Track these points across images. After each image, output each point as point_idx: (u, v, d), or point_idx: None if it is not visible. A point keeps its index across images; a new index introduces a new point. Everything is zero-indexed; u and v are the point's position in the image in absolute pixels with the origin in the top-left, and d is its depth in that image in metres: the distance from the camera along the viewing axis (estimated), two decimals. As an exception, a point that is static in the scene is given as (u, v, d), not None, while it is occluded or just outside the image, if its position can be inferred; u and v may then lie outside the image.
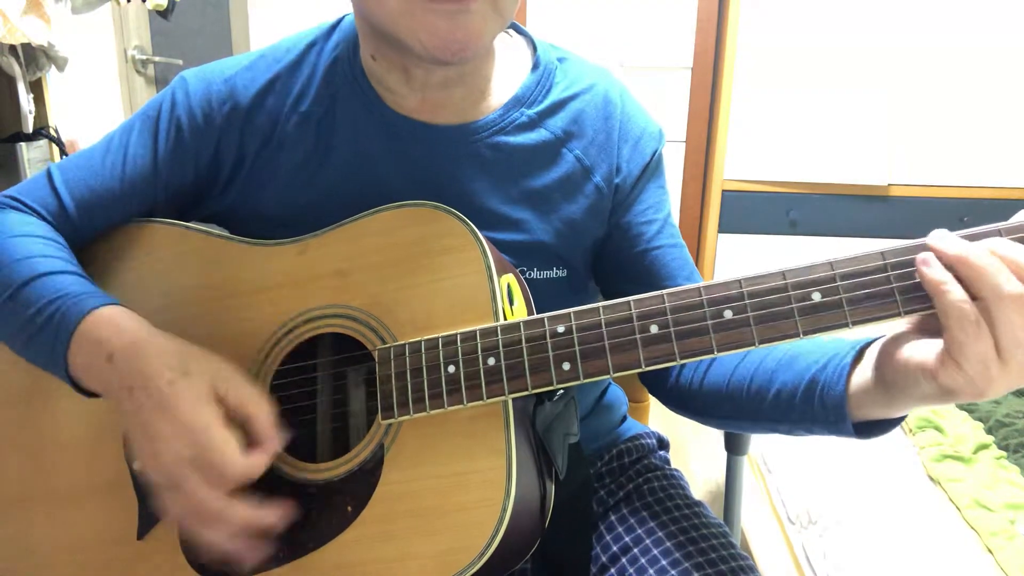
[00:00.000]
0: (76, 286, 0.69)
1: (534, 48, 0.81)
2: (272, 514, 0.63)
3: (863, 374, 0.61)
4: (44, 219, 0.76)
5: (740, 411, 0.73)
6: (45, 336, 0.67)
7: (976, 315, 0.51)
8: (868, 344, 0.62)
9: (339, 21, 0.80)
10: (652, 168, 0.82)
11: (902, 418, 0.62)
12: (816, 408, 0.64)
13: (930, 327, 0.56)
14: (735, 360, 0.74)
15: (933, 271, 0.53)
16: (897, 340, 0.57)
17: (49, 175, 0.77)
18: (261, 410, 0.64)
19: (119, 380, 0.64)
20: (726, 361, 0.75)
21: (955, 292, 0.52)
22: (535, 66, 0.79)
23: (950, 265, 0.52)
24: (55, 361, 0.67)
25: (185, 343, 0.66)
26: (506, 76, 0.78)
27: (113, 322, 0.66)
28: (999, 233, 0.53)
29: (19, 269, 0.70)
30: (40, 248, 0.72)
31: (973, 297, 0.51)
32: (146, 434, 0.62)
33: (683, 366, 0.80)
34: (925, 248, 0.54)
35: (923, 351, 0.54)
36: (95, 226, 0.78)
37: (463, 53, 0.66)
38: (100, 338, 0.65)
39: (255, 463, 0.62)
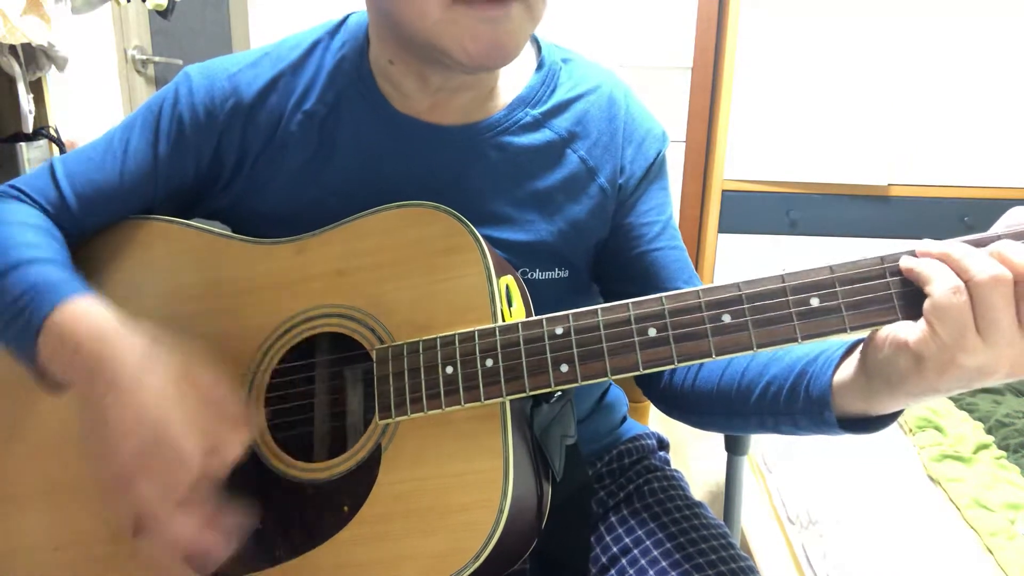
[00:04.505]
0: (53, 276, 0.68)
1: (539, 48, 0.81)
2: (210, 539, 0.58)
3: (849, 365, 0.62)
4: (44, 210, 0.75)
5: (730, 407, 0.73)
6: (18, 325, 0.66)
7: (957, 281, 0.52)
8: (860, 340, 0.63)
9: (344, 20, 0.80)
10: (655, 170, 0.82)
11: (885, 421, 0.62)
12: (802, 399, 0.65)
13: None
14: (729, 358, 0.74)
15: (913, 259, 0.55)
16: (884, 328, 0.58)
17: (51, 168, 0.77)
18: (231, 394, 0.62)
19: (84, 367, 0.62)
20: (720, 360, 0.75)
21: (934, 262, 0.53)
22: (540, 66, 0.79)
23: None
24: (26, 351, 0.66)
25: (155, 335, 0.63)
26: (511, 76, 0.78)
27: (80, 313, 0.65)
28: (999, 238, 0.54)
29: (1, 257, 0.69)
30: (28, 237, 0.71)
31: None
32: (103, 424, 0.59)
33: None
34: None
35: (904, 328, 0.55)
36: (95, 220, 0.77)
37: (504, 59, 0.67)
38: (68, 329, 0.64)
39: (216, 462, 0.59)
